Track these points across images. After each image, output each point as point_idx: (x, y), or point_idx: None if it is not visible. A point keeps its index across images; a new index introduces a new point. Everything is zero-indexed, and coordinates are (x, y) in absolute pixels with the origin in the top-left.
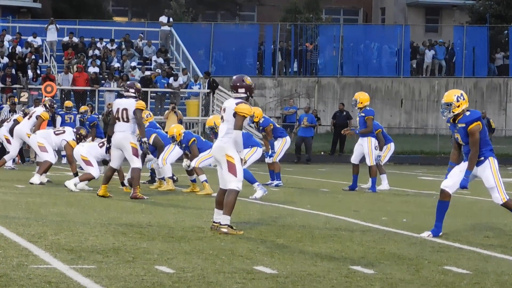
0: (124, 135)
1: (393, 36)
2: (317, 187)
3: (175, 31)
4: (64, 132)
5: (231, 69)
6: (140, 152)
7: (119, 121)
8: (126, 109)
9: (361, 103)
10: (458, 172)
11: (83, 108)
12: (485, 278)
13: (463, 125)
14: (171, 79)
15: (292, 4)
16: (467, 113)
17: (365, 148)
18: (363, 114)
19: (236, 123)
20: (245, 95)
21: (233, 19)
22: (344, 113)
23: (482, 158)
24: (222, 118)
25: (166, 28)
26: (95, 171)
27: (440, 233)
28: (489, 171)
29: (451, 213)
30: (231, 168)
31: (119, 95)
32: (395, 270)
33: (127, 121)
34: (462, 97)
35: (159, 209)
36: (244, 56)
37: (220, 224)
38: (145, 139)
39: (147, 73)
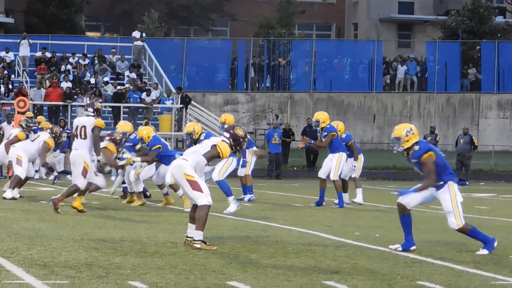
0: (79, 152)
1: (366, 51)
2: (290, 202)
3: (148, 46)
4: (39, 135)
5: (203, 84)
6: (89, 172)
7: (77, 138)
8: (84, 127)
9: (324, 122)
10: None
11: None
12: None
13: (416, 160)
14: (143, 94)
15: (265, 19)
16: (416, 148)
17: (333, 163)
18: (325, 133)
19: (208, 153)
20: (228, 141)
21: (206, 34)
22: (314, 128)
23: (442, 182)
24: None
25: (139, 43)
26: (23, 171)
27: (413, 247)
28: (447, 195)
29: (424, 228)
30: (195, 186)
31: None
32: (368, 285)
33: (85, 138)
34: (411, 132)
35: (132, 224)
36: (217, 71)
37: (193, 240)
38: (100, 157)
39: (119, 88)
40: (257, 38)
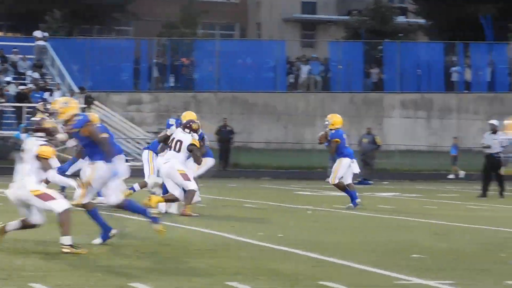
0: (172, 163)
1: (269, 51)
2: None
3: (50, 45)
4: None
5: (107, 84)
6: None
7: (170, 149)
8: (181, 142)
9: (333, 124)
10: None
11: None
12: None
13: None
14: (46, 94)
15: (168, 19)
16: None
17: (333, 167)
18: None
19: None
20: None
21: (110, 34)
22: (228, 128)
23: None
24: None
25: (41, 42)
26: None
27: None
28: None
29: (327, 228)
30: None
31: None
32: (271, 286)
33: (178, 151)
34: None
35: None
36: (121, 71)
37: (62, 245)
38: None
39: (22, 88)
40: (161, 38)
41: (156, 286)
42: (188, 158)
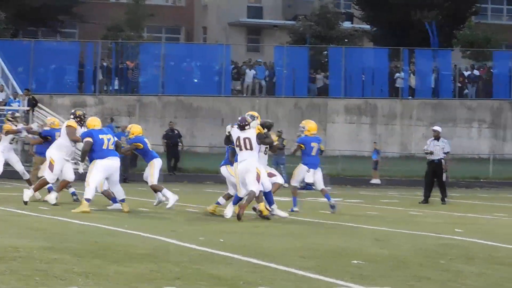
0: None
1: (215, 55)
2: (137, 206)
3: None
4: None
5: (52, 86)
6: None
7: (241, 149)
8: (249, 139)
9: (308, 131)
10: None
11: None
12: None
13: None
14: None
15: (113, 22)
16: None
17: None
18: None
19: None
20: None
21: (55, 36)
22: (176, 131)
23: None
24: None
25: None
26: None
27: None
28: None
29: (270, 233)
30: None
31: None
32: None
33: (251, 149)
34: None
35: None
36: (65, 73)
37: None
38: None
39: None
40: (106, 40)
41: None
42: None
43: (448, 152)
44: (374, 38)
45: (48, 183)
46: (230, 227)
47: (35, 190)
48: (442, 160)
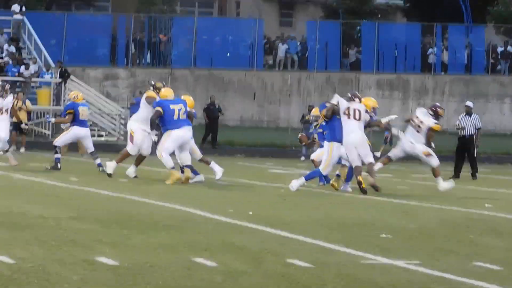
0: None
1: (247, 29)
2: (165, 178)
3: (27, 20)
4: None
5: (84, 59)
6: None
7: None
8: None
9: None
10: None
11: None
12: (326, 272)
13: None
14: (22, 68)
15: None
16: None
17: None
18: (320, 130)
19: None
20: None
21: (87, 9)
22: (217, 105)
23: None
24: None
25: (19, 16)
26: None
27: None
28: None
29: (297, 206)
30: None
31: None
32: (238, 263)
33: (359, 120)
34: None
35: (3, 197)
36: (98, 46)
37: None
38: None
39: None
40: (138, 14)
41: (122, 261)
42: None
43: (479, 128)
44: (407, 13)
45: (129, 155)
46: (259, 199)
47: (118, 162)
48: (474, 136)
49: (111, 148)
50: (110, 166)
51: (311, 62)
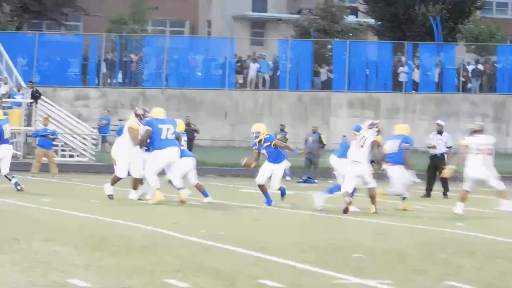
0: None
1: (219, 48)
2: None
3: None
4: None
5: (55, 79)
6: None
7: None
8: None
9: (263, 134)
10: None
11: None
12: None
13: None
14: None
15: (118, 15)
16: None
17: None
18: (268, 143)
19: None
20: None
21: (59, 29)
22: (192, 126)
23: None
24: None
25: None
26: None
27: None
28: None
29: (270, 226)
30: None
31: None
32: (210, 284)
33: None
34: None
35: None
36: (69, 66)
37: None
38: None
39: None
40: (110, 34)
41: (95, 283)
42: None
43: (451, 147)
44: (378, 32)
45: (119, 178)
46: (231, 220)
47: (112, 184)
48: (445, 154)
49: (82, 168)
50: (108, 187)
51: (283, 81)
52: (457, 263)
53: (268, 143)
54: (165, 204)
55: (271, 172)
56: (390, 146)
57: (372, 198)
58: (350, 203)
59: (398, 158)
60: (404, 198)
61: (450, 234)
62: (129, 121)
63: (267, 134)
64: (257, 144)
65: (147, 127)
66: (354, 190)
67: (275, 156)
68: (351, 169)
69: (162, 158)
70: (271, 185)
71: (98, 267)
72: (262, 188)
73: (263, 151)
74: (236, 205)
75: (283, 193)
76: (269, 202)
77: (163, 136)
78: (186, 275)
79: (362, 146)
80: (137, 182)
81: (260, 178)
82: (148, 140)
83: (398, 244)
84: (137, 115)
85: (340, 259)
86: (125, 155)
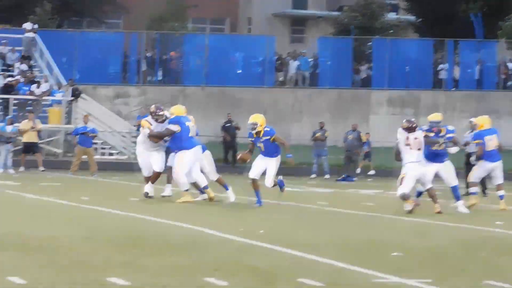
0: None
1: (259, 46)
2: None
3: (40, 37)
4: None
5: (95, 77)
6: None
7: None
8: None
9: (261, 125)
10: None
11: None
12: None
13: None
14: (33, 86)
15: (158, 12)
16: None
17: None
18: (267, 137)
19: None
20: None
21: (99, 27)
22: (233, 123)
23: None
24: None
25: (30, 34)
26: None
27: None
28: None
29: (309, 225)
30: None
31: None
32: (249, 282)
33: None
34: None
35: (15, 219)
36: (109, 64)
37: None
38: None
39: (9, 79)
40: (150, 31)
41: (133, 281)
42: None
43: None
44: (418, 29)
45: (158, 174)
46: (270, 218)
47: (152, 182)
48: None
49: (122, 166)
50: (148, 188)
51: (322, 78)
52: (496, 262)
53: (268, 137)
54: (204, 203)
55: (265, 167)
56: (491, 141)
57: (433, 197)
58: (417, 204)
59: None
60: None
61: (489, 233)
62: (142, 122)
63: (266, 127)
64: (254, 136)
65: (177, 126)
66: (420, 192)
67: (272, 150)
68: (413, 170)
69: (191, 158)
70: (265, 182)
71: (137, 265)
72: (255, 184)
73: (260, 144)
74: (274, 203)
75: (281, 185)
76: (259, 202)
77: (191, 134)
78: (225, 274)
79: (418, 148)
80: (155, 177)
81: (255, 172)
82: (170, 138)
83: (437, 242)
84: (150, 113)
85: (379, 257)
86: (143, 152)
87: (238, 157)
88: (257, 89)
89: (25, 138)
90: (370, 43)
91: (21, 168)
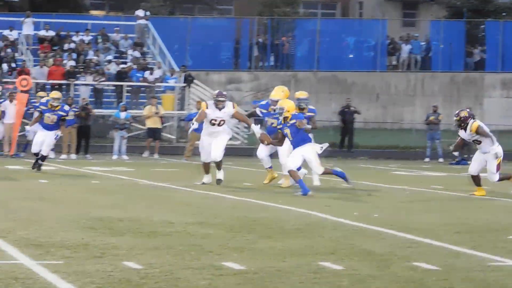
0: None
1: (371, 30)
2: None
3: (152, 24)
4: None
5: (207, 62)
6: None
7: None
8: None
9: (288, 111)
10: None
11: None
12: (453, 275)
13: None
14: (146, 73)
15: None
16: None
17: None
18: (293, 121)
19: None
20: None
21: (211, 13)
22: (352, 108)
23: None
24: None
25: (143, 21)
26: None
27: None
28: None
29: (423, 208)
30: None
31: (95, 89)
32: (364, 266)
33: None
34: None
35: (130, 204)
36: (221, 50)
37: None
38: None
39: (122, 66)
40: (261, 17)
41: (249, 266)
42: None
43: None
44: None
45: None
46: (383, 202)
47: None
48: None
49: (235, 151)
50: (220, 174)
51: (435, 62)
52: None
53: (294, 121)
54: (318, 188)
55: (303, 158)
56: None
57: None
58: None
59: None
60: None
61: None
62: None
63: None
64: (282, 122)
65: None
66: None
67: (300, 139)
68: None
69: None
70: (314, 171)
71: (252, 249)
72: (293, 174)
73: (287, 130)
74: (388, 187)
75: (342, 176)
76: (305, 191)
77: None
78: (340, 258)
79: None
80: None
81: (293, 163)
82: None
83: None
84: (212, 97)
85: (494, 241)
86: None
87: (259, 136)
88: (369, 73)
89: (149, 123)
90: (483, 26)
91: (145, 154)
